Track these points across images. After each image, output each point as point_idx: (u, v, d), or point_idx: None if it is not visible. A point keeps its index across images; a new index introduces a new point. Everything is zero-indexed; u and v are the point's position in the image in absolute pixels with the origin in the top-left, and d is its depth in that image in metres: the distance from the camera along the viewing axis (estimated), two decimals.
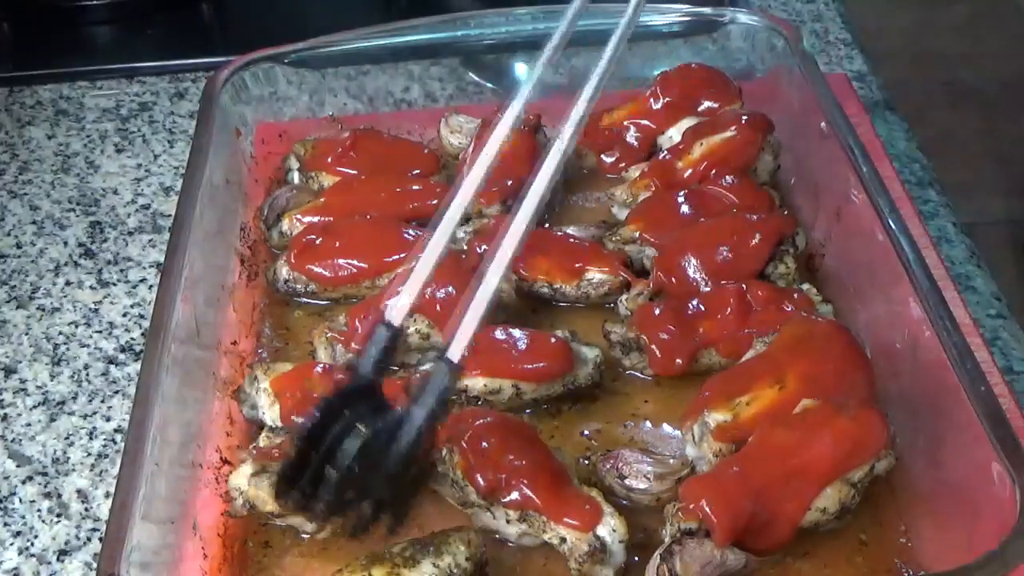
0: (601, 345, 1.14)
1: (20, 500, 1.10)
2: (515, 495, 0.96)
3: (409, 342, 1.14)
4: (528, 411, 1.11)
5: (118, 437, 1.15)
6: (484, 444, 0.98)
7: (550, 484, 0.97)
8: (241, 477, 0.99)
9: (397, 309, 0.90)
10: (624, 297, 1.20)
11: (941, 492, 0.97)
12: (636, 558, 0.97)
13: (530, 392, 1.09)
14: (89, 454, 1.14)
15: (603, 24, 1.47)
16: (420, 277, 0.91)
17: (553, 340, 1.11)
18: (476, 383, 1.08)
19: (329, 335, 1.14)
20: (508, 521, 0.98)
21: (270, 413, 1.06)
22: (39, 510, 1.09)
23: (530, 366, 1.09)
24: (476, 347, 1.07)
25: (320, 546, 1.00)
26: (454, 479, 0.97)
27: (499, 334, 1.11)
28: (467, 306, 0.89)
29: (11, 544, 1.06)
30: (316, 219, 1.27)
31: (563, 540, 0.96)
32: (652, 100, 1.38)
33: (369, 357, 0.89)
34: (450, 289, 1.13)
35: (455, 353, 0.88)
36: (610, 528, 0.96)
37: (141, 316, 1.29)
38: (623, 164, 1.38)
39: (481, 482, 0.96)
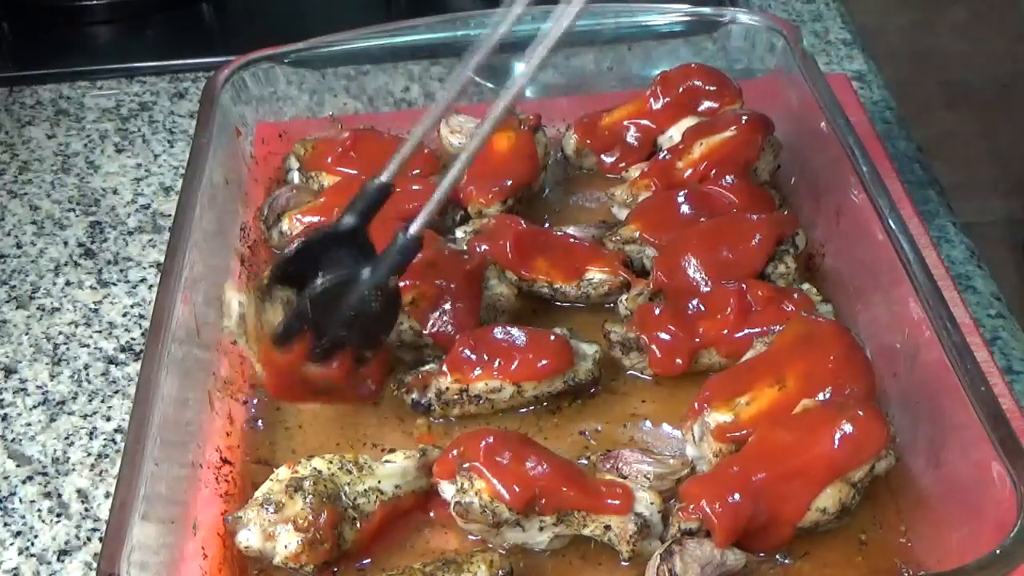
0: (600, 342, 1.14)
1: (20, 500, 1.10)
2: (552, 499, 0.96)
3: (403, 338, 1.14)
4: (530, 408, 1.11)
5: (118, 437, 1.15)
6: (499, 460, 0.97)
7: (577, 479, 0.98)
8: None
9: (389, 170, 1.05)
10: (624, 297, 1.20)
11: (941, 492, 0.97)
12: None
13: (531, 390, 1.09)
14: (89, 454, 1.14)
15: (602, 24, 1.49)
16: (412, 142, 1.06)
17: (552, 338, 1.11)
18: (476, 384, 1.08)
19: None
20: (541, 528, 0.97)
21: None
22: (39, 510, 1.09)
23: (531, 364, 1.09)
24: (476, 347, 1.08)
25: None
26: (482, 504, 0.96)
27: (498, 333, 1.10)
28: (435, 191, 1.03)
29: (11, 544, 1.06)
30: (316, 219, 1.27)
31: (607, 528, 0.96)
32: (652, 100, 1.38)
33: (356, 206, 1.06)
34: (450, 286, 1.14)
35: (415, 228, 1.03)
36: (646, 502, 0.97)
37: (141, 316, 1.29)
38: (623, 164, 1.38)
39: (513, 497, 0.95)
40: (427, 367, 1.10)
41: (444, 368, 1.08)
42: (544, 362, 1.09)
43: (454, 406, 1.08)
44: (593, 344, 1.13)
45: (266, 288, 1.06)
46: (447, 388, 1.08)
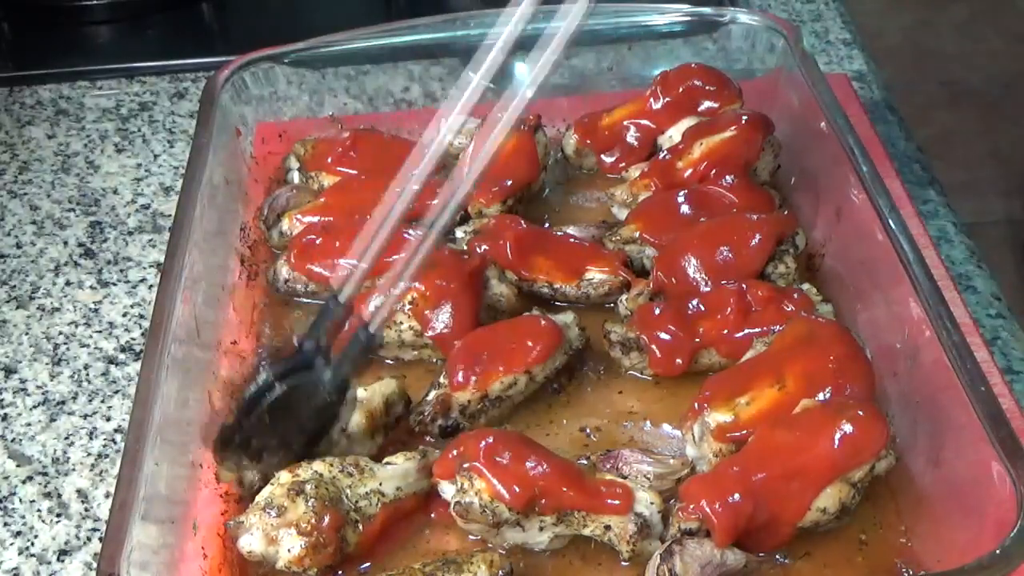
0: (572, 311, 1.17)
1: (20, 500, 1.10)
2: (552, 499, 0.96)
3: (403, 339, 1.14)
4: (538, 395, 1.11)
5: (118, 437, 1.15)
6: (499, 460, 0.97)
7: (577, 479, 0.98)
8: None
9: (348, 286, 1.00)
10: (624, 297, 1.20)
11: (941, 492, 0.97)
12: None
13: (540, 373, 1.10)
14: (89, 454, 1.14)
15: (603, 24, 1.49)
16: (370, 256, 1.01)
17: (543, 322, 1.12)
18: (493, 386, 1.08)
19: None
20: (542, 528, 0.97)
21: None
22: (39, 510, 1.09)
23: (531, 349, 1.09)
24: (478, 355, 1.08)
25: None
26: (482, 504, 0.96)
27: (486, 336, 1.10)
28: (393, 284, 0.99)
29: (11, 544, 1.06)
30: (316, 219, 1.27)
31: (607, 528, 0.96)
32: (652, 100, 1.38)
33: (315, 334, 1.00)
34: (450, 287, 1.14)
35: (375, 327, 0.99)
36: (646, 502, 0.97)
37: (141, 316, 1.29)
38: (623, 164, 1.38)
39: (513, 497, 0.95)
40: (430, 395, 1.09)
41: (457, 381, 1.07)
42: (542, 342, 1.10)
43: (479, 416, 1.08)
44: (568, 313, 1.16)
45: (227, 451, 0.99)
46: (469, 401, 1.07)
